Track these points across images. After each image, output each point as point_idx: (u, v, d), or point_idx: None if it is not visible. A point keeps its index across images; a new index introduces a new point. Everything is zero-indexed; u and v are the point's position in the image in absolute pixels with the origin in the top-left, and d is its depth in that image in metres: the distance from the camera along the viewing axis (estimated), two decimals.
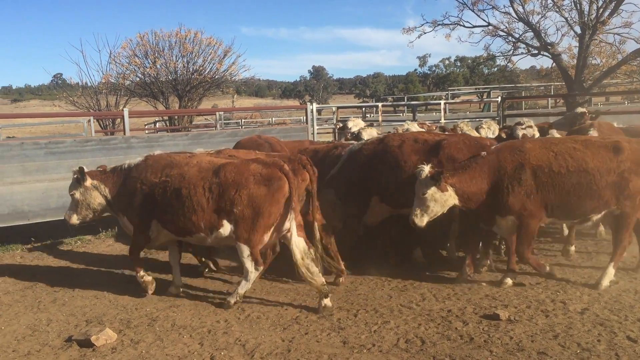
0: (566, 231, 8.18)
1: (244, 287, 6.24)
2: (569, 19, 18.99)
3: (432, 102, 31.30)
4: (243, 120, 32.04)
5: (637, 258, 6.86)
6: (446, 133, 8.26)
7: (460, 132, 8.94)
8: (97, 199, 6.78)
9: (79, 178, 6.74)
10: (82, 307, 6.46)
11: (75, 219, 6.90)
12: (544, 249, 8.07)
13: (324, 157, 8.48)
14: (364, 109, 27.27)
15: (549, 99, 29.16)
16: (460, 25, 21.25)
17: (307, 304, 6.24)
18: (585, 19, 18.13)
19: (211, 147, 9.74)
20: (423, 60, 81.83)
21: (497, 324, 5.39)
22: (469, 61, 72.44)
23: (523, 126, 8.40)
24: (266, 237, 6.17)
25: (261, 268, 6.23)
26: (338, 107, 20.87)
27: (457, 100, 36.83)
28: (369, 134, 9.16)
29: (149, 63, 25.51)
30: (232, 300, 6.22)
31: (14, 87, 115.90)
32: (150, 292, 6.67)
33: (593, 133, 8.16)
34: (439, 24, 21.34)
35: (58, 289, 7.12)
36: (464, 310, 5.79)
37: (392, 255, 7.75)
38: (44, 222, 9.52)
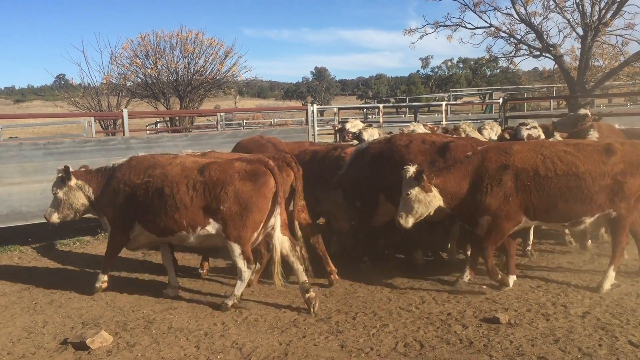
0: (568, 234, 8.14)
1: (239, 288, 6.20)
2: (571, 20, 18.94)
3: (433, 103, 31.25)
4: (245, 121, 32.03)
5: (639, 261, 6.78)
6: (454, 136, 8.17)
7: (463, 133, 8.89)
8: (81, 200, 6.75)
9: (64, 177, 6.72)
10: (78, 309, 6.41)
11: (55, 218, 6.89)
12: (545, 250, 8.00)
13: (324, 158, 8.43)
14: (365, 110, 27.22)
15: (551, 100, 29.13)
16: (462, 26, 21.19)
17: (305, 307, 6.17)
18: (588, 20, 18.05)
19: (211, 148, 9.71)
20: (425, 61, 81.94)
21: (497, 328, 5.32)
22: (472, 63, 72.49)
23: (528, 127, 8.33)
24: (256, 234, 6.16)
25: (253, 266, 6.18)
26: (339, 108, 20.83)
27: (459, 101, 36.76)
28: (370, 134, 9.11)
29: (150, 64, 25.53)
30: (230, 303, 6.16)
31: (16, 88, 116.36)
32: (96, 292, 6.76)
33: (593, 134, 8.09)
34: (440, 25, 21.29)
35: (55, 291, 7.07)
36: (463, 314, 5.73)
37: (392, 257, 7.70)
38: (42, 222, 9.45)
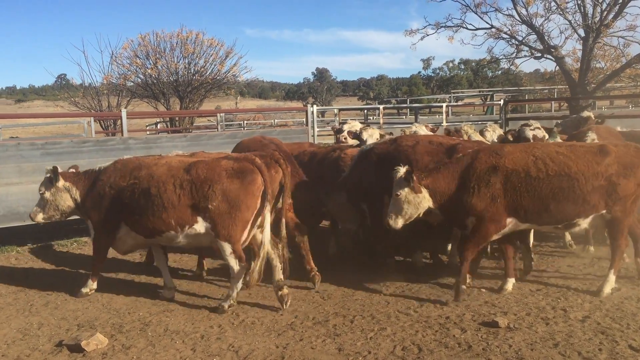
0: (568, 237, 8.08)
1: (234, 288, 6.17)
2: (572, 21, 18.87)
3: (434, 104, 31.20)
4: (245, 122, 32.03)
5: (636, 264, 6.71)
6: (461, 139, 8.10)
7: (465, 135, 8.82)
8: (67, 202, 6.72)
9: (52, 178, 6.68)
10: (74, 311, 6.36)
11: (40, 218, 6.86)
12: (545, 253, 7.94)
13: (323, 160, 8.39)
14: (365, 111, 27.16)
15: (552, 102, 29.06)
16: (463, 27, 21.13)
17: (303, 310, 6.13)
18: (589, 21, 17.99)
19: (210, 149, 9.68)
20: (427, 62, 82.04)
21: (496, 332, 5.26)
22: (473, 64, 72.50)
23: (531, 127, 8.28)
24: (246, 233, 6.15)
25: (245, 264, 6.12)
26: (340, 109, 20.81)
27: (459, 103, 36.71)
28: (370, 134, 9.06)
29: (150, 64, 25.50)
30: (226, 305, 6.12)
31: (18, 88, 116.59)
32: (82, 297, 6.74)
33: (590, 136, 8.01)
34: (441, 26, 21.22)
35: (51, 292, 7.02)
36: (462, 317, 5.67)
37: (391, 259, 7.64)
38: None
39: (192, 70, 25.83)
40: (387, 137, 8.54)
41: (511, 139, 8.31)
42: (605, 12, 17.94)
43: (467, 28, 21.13)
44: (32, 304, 6.65)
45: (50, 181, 6.71)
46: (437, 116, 26.05)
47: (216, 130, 21.03)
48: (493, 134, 8.98)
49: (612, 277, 6.14)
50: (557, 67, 20.32)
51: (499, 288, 6.39)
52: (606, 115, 12.69)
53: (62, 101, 27.14)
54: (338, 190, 7.42)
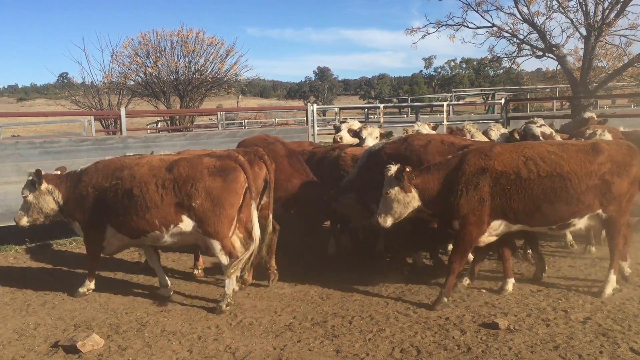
0: (569, 237, 8.01)
1: (229, 286, 6.15)
2: (574, 20, 18.71)
3: (435, 103, 31.13)
4: (246, 120, 31.98)
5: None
6: (473, 139, 8.02)
7: (467, 134, 8.75)
8: (50, 204, 6.69)
9: (35, 181, 6.64)
10: (71, 311, 6.32)
11: (24, 221, 6.84)
12: (546, 254, 7.86)
13: (322, 159, 8.34)
14: (366, 110, 27.12)
15: (554, 101, 28.98)
16: (465, 26, 20.98)
17: (301, 310, 6.08)
18: (591, 20, 17.86)
19: (210, 148, 9.62)
20: (428, 61, 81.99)
21: (495, 333, 5.21)
22: (474, 63, 72.39)
23: (538, 124, 8.19)
24: (232, 228, 6.15)
25: (237, 260, 6.09)
26: (340, 108, 20.78)
27: (460, 102, 36.64)
28: (369, 132, 9.00)
29: (150, 62, 25.44)
30: (224, 306, 6.08)
31: (20, 86, 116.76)
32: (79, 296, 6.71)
33: (605, 135, 7.85)
34: (442, 25, 21.06)
35: (48, 292, 6.98)
36: (462, 319, 5.62)
37: (393, 259, 7.59)
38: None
39: (193, 69, 25.80)
40: (394, 136, 8.46)
41: (518, 138, 8.19)
42: (607, 11, 17.81)
43: (468, 27, 20.96)
44: (29, 304, 6.61)
45: (32, 184, 6.67)
46: (438, 115, 25.97)
47: (217, 129, 20.99)
48: (497, 133, 8.89)
49: (612, 278, 6.07)
50: (559, 66, 20.18)
51: (499, 289, 6.33)
52: (608, 114, 12.61)
53: (64, 100, 27.09)
54: (345, 191, 7.34)
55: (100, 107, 24.29)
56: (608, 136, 7.62)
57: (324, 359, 4.90)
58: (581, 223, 6.05)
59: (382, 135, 8.89)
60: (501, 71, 54.49)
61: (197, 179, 6.00)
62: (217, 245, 6.05)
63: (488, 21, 20.33)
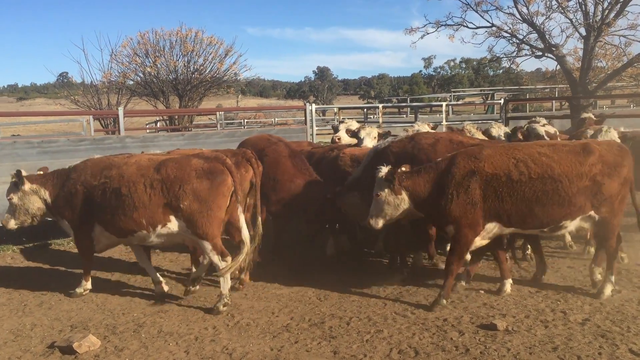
0: (569, 238, 7.98)
1: (224, 285, 6.15)
2: (573, 20, 18.68)
3: (434, 103, 31.10)
4: (246, 120, 31.93)
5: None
6: (481, 138, 7.96)
7: (467, 134, 8.71)
8: (36, 204, 6.66)
9: (17, 182, 6.62)
10: (68, 312, 6.29)
11: (12, 224, 6.79)
12: (545, 254, 7.83)
13: (320, 159, 8.31)
14: (365, 110, 27.07)
15: (553, 101, 28.96)
16: (464, 26, 20.94)
17: (299, 311, 6.05)
18: (591, 20, 17.82)
19: (208, 148, 9.58)
20: (428, 61, 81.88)
21: (494, 335, 5.18)
22: (474, 63, 72.34)
23: (541, 124, 8.12)
24: (221, 229, 6.21)
25: (229, 257, 6.11)
26: (339, 108, 20.75)
27: (460, 102, 36.63)
28: (367, 132, 8.98)
29: (149, 62, 25.39)
30: (221, 306, 6.06)
31: (19, 86, 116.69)
32: (76, 297, 6.69)
33: (613, 133, 7.72)
34: (442, 25, 21.02)
35: (45, 292, 6.96)
36: (460, 320, 5.59)
37: (393, 260, 7.55)
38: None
39: (192, 69, 25.76)
40: (392, 136, 8.40)
41: (521, 138, 8.14)
42: (607, 11, 17.78)
43: (467, 27, 20.92)
44: (25, 304, 6.58)
45: (15, 186, 6.65)
46: (437, 115, 25.95)
47: (216, 129, 20.96)
48: (499, 130, 8.82)
49: (610, 278, 6.05)
50: (558, 66, 20.16)
51: (497, 290, 6.31)
52: (607, 114, 12.57)
53: (63, 99, 27.04)
54: (351, 189, 7.30)
55: (100, 106, 24.23)
56: (614, 133, 7.46)
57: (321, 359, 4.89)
58: (573, 225, 5.99)
59: (380, 136, 8.87)
60: (501, 71, 54.47)
61: (185, 180, 6.02)
62: (207, 245, 6.07)
63: (487, 21, 20.31)
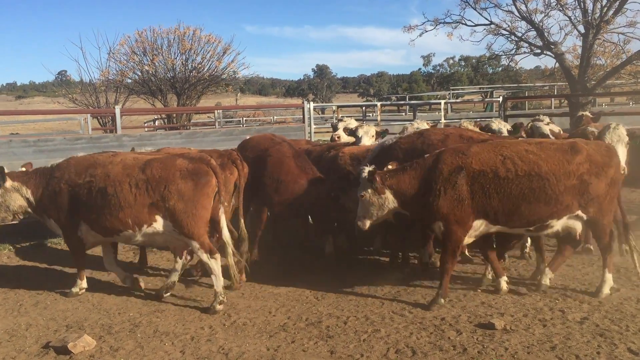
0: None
1: (217, 283, 6.13)
2: (572, 17, 18.64)
3: (432, 101, 31.07)
4: (244, 118, 31.88)
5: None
6: (491, 134, 7.90)
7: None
8: (18, 201, 6.63)
9: None
10: (63, 311, 6.25)
11: None
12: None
13: (318, 158, 8.27)
14: (364, 108, 27.03)
15: (552, 99, 28.94)
16: (462, 23, 20.88)
17: (296, 310, 6.02)
18: (589, 17, 17.77)
19: (205, 146, 9.55)
20: (427, 59, 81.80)
21: (492, 334, 5.15)
22: (473, 61, 72.26)
23: (545, 122, 8.04)
24: (207, 228, 6.21)
25: (217, 255, 6.11)
26: (338, 106, 20.69)
27: (459, 100, 36.59)
28: (365, 130, 8.94)
29: (147, 60, 25.30)
30: (217, 305, 6.03)
31: (18, 84, 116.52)
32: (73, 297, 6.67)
33: (621, 131, 7.61)
34: (440, 22, 20.96)
35: (41, 292, 6.92)
36: (458, 319, 5.55)
37: (394, 258, 7.52)
38: (33, 221, 9.28)
39: (190, 67, 25.65)
40: (390, 134, 8.37)
41: (524, 136, 8.07)
42: (605, 8, 17.73)
43: (466, 24, 20.86)
44: (21, 304, 6.54)
45: None
46: (436, 113, 25.92)
47: (215, 127, 20.91)
48: (500, 125, 8.72)
49: (608, 277, 6.01)
50: (557, 64, 20.12)
51: (494, 289, 6.27)
52: (606, 112, 12.53)
53: (64, 98, 26.97)
54: (355, 186, 7.27)
55: (98, 105, 24.15)
56: (622, 130, 7.32)
57: (317, 359, 4.85)
58: (560, 224, 5.93)
59: (378, 134, 8.83)
60: (500, 69, 54.43)
61: (169, 180, 6.03)
62: (195, 244, 6.09)
63: (486, 19, 20.26)
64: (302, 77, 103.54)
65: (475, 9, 20.07)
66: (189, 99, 25.45)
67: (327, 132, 18.51)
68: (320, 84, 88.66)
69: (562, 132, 7.97)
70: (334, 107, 19.71)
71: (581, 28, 18.40)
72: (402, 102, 38.93)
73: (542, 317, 5.48)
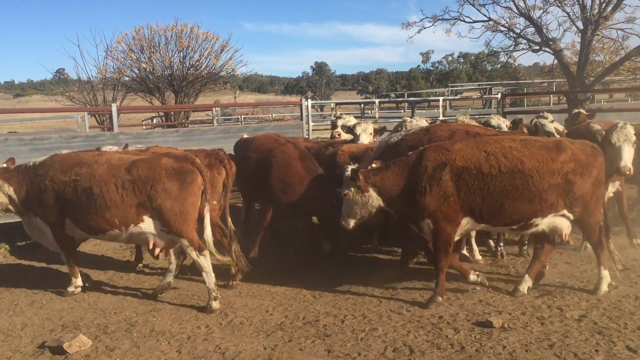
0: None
1: (208, 280, 6.11)
2: (571, 14, 18.59)
3: (431, 98, 31.03)
4: (243, 116, 31.80)
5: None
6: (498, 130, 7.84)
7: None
8: None
9: None
10: (59, 311, 6.22)
11: None
12: None
13: (315, 156, 8.21)
14: (362, 105, 26.97)
15: (551, 95, 28.88)
16: (461, 20, 20.84)
17: (293, 309, 5.99)
18: (588, 14, 17.73)
19: (203, 144, 9.52)
20: (426, 56, 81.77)
21: (489, 332, 5.13)
22: (472, 58, 72.28)
23: (550, 119, 7.98)
24: (195, 226, 6.21)
25: (206, 252, 6.10)
26: (336, 103, 20.67)
27: (457, 97, 36.55)
28: (363, 128, 8.89)
29: (144, 58, 25.19)
30: (213, 303, 6.01)
31: (16, 82, 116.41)
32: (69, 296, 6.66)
33: (629, 129, 7.49)
34: (438, 19, 20.91)
35: (37, 291, 6.88)
36: (455, 317, 5.53)
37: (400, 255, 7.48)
38: None
39: (187, 64, 25.53)
40: (387, 132, 8.31)
41: (526, 132, 8.01)
42: (604, 4, 17.68)
43: (464, 21, 20.81)
44: (17, 304, 6.51)
45: None
46: (435, 110, 25.87)
47: (212, 124, 20.84)
48: (499, 121, 8.66)
49: (604, 273, 5.98)
50: (556, 60, 20.07)
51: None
52: (604, 109, 12.49)
53: (62, 96, 26.86)
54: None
55: (95, 103, 24.06)
56: (630, 129, 7.09)
57: (315, 358, 4.82)
58: (545, 223, 5.88)
59: (376, 131, 8.79)
60: (498, 66, 54.45)
61: (156, 180, 6.02)
62: (184, 242, 6.09)
63: (484, 15, 20.21)
64: (300, 75, 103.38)
65: (473, 6, 20.04)
66: (187, 96, 25.34)
67: (326, 129, 18.49)
68: (319, 82, 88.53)
69: (564, 130, 7.90)
70: (333, 105, 19.64)
71: (580, 24, 18.36)
72: (401, 99, 38.82)
73: (540, 315, 5.46)
